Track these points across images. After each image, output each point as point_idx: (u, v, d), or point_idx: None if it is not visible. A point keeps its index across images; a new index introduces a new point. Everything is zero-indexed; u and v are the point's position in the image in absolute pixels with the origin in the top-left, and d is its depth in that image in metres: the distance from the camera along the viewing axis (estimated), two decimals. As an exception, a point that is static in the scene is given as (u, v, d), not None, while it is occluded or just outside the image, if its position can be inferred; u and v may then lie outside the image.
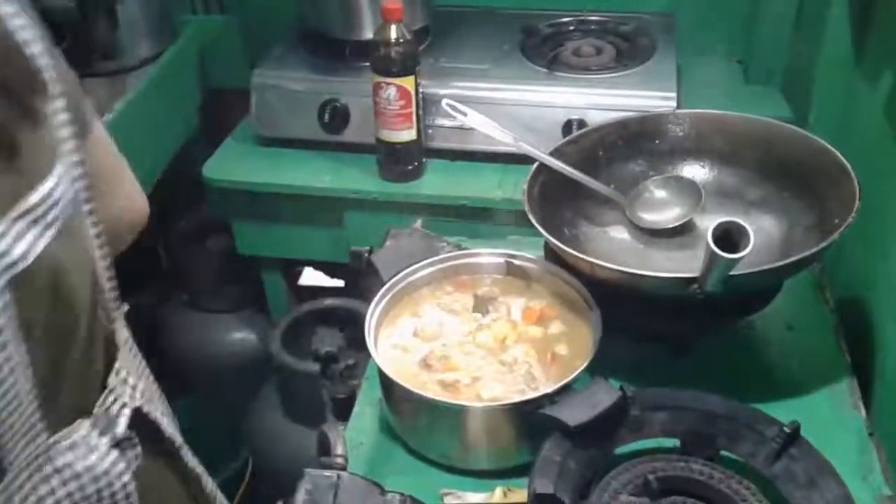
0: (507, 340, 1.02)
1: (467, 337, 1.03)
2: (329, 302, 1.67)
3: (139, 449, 0.77)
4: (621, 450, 0.90)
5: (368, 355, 1.03)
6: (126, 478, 0.75)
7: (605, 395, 0.88)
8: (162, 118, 1.64)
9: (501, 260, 1.11)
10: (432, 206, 1.44)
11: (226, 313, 1.89)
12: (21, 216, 0.64)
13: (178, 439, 0.87)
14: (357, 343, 1.61)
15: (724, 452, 0.89)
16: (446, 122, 1.45)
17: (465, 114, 1.21)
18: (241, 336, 1.88)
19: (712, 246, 0.86)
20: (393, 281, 1.07)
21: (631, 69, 1.50)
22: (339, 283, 1.87)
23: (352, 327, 1.65)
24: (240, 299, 1.88)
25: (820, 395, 1.04)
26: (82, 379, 0.75)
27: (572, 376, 0.92)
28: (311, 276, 1.86)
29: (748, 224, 0.88)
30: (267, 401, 1.69)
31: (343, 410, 1.51)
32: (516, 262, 1.10)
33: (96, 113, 0.83)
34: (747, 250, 0.86)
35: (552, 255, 1.08)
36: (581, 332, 1.02)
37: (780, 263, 0.96)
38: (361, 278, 1.19)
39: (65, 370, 0.72)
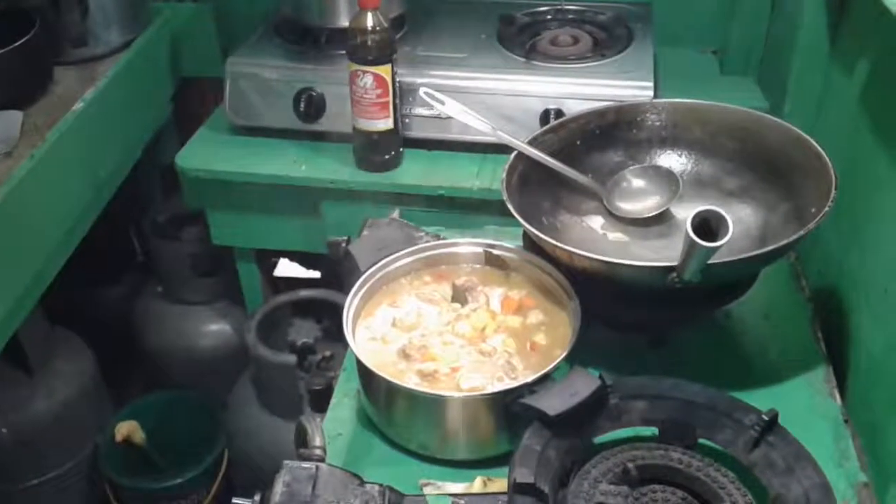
0: (486, 330, 1.02)
1: (446, 327, 1.03)
2: (305, 293, 1.66)
3: None
4: (601, 438, 0.90)
5: (345, 346, 1.02)
6: None
7: (584, 384, 0.88)
8: (134, 107, 1.62)
9: (480, 250, 1.10)
10: (410, 195, 1.43)
11: (201, 305, 1.87)
12: None
13: None
14: (333, 334, 1.61)
15: (702, 441, 0.89)
16: (424, 112, 1.44)
17: (442, 102, 1.20)
18: (216, 328, 1.86)
19: (691, 234, 0.86)
20: (371, 271, 1.06)
21: (608, 59, 1.50)
22: (315, 274, 1.86)
23: (328, 318, 1.64)
24: (215, 291, 1.86)
25: (796, 383, 1.05)
26: None
27: (551, 366, 0.92)
28: (286, 268, 1.85)
29: (726, 213, 0.88)
30: (243, 393, 1.68)
31: (320, 402, 1.51)
32: (495, 251, 1.09)
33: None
34: (726, 238, 0.86)
35: (531, 244, 1.08)
36: (560, 322, 1.02)
37: (757, 252, 0.96)
38: (339, 268, 1.18)
39: None
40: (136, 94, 1.62)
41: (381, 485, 0.84)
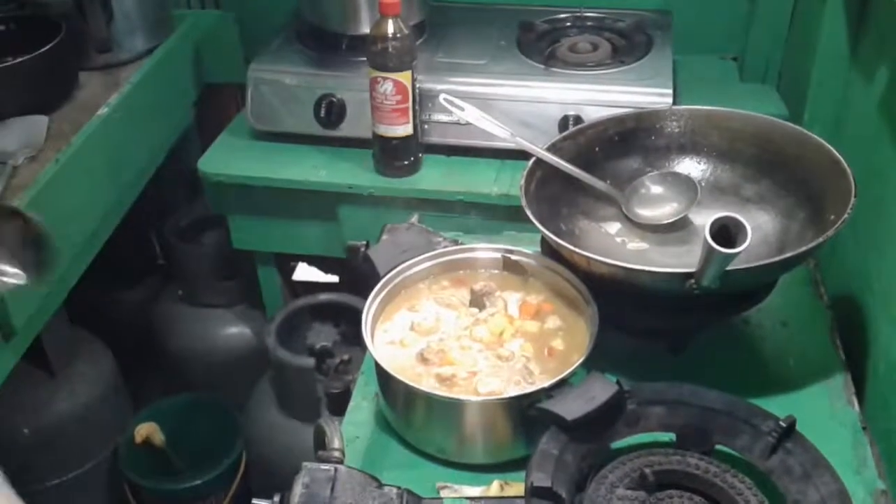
0: (503, 335, 1.02)
1: (464, 331, 1.03)
2: (324, 297, 1.67)
3: None
4: (618, 444, 0.90)
5: (363, 350, 1.03)
6: None
7: (601, 389, 0.88)
8: (157, 112, 1.64)
9: (498, 255, 1.11)
10: (428, 201, 1.44)
11: (221, 308, 1.89)
12: None
13: None
14: (351, 338, 1.62)
15: (719, 446, 0.89)
16: (443, 118, 1.45)
17: (462, 108, 1.21)
18: (236, 331, 1.88)
19: (710, 241, 0.86)
20: (390, 275, 1.07)
21: (627, 65, 1.50)
22: (334, 278, 1.87)
23: (346, 322, 1.65)
24: (235, 294, 1.88)
25: (814, 390, 1.05)
26: None
27: (569, 371, 0.92)
28: (305, 272, 1.86)
29: (744, 220, 0.88)
30: (262, 395, 1.69)
31: (338, 405, 1.52)
32: (513, 257, 1.10)
33: None
34: (745, 245, 0.86)
35: (549, 250, 1.09)
36: (578, 327, 1.02)
37: (776, 259, 0.96)
38: (357, 273, 1.19)
39: None
40: (160, 100, 1.64)
41: (399, 487, 0.84)
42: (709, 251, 0.87)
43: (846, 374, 1.07)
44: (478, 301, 1.07)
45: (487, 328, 1.03)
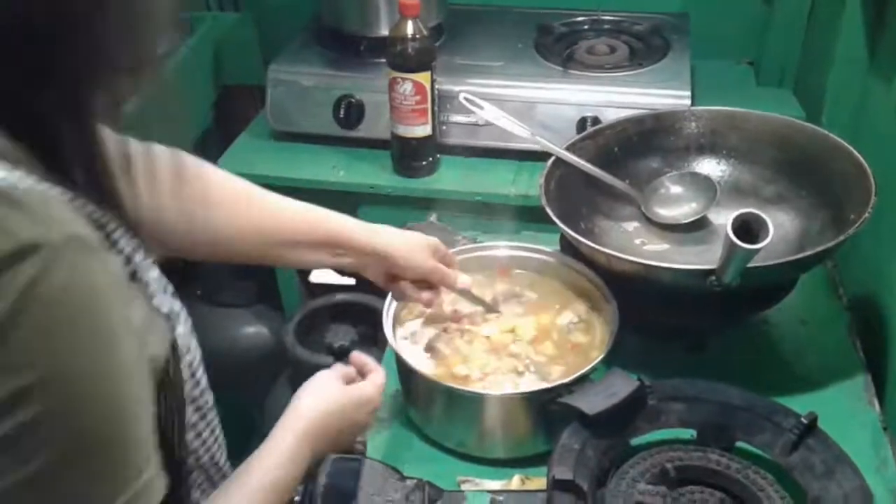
0: (523, 333, 1.03)
1: (481, 329, 1.04)
2: (341, 297, 1.67)
3: None
4: (638, 440, 0.91)
5: (381, 350, 1.04)
6: None
7: (623, 384, 0.88)
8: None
9: (516, 253, 1.11)
10: (446, 201, 1.44)
11: (239, 307, 1.89)
12: None
13: None
14: (368, 338, 1.62)
15: (740, 443, 0.90)
16: (461, 118, 1.46)
17: (482, 107, 1.22)
18: (254, 330, 1.88)
19: (731, 236, 0.86)
20: (410, 273, 1.07)
21: (645, 68, 1.51)
22: (351, 280, 1.87)
23: (364, 323, 1.65)
24: (253, 294, 1.88)
25: (834, 389, 1.05)
26: None
27: (589, 367, 0.93)
28: (322, 273, 1.86)
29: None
30: (280, 394, 1.70)
31: (355, 404, 1.52)
32: (532, 255, 1.10)
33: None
34: (767, 240, 0.87)
35: (568, 248, 1.09)
36: (597, 325, 1.03)
37: (797, 256, 0.97)
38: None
39: None
40: (180, 101, 1.65)
41: (420, 479, 0.85)
42: (731, 247, 0.87)
43: (866, 374, 1.07)
44: (496, 299, 1.07)
45: (506, 326, 1.03)
